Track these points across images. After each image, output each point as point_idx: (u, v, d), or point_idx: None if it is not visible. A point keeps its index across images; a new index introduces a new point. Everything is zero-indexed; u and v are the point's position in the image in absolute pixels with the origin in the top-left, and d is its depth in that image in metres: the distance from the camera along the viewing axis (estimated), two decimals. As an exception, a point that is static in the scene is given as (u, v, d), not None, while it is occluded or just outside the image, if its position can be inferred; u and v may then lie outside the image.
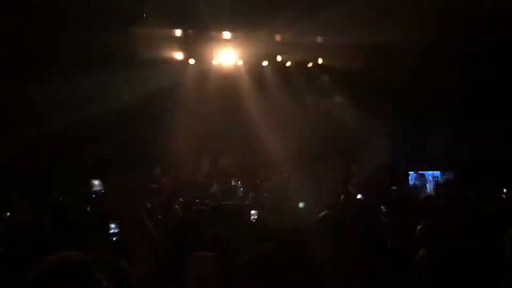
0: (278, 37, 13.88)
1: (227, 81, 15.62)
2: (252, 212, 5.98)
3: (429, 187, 12.87)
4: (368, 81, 14.50)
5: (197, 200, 9.79)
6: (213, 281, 2.74)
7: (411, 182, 13.68)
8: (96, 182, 9.99)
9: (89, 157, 12.88)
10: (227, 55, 14.88)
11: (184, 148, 15.83)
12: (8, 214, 6.97)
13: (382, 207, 6.21)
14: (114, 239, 4.81)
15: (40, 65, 12.58)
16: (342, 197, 6.78)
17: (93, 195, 8.67)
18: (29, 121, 12.56)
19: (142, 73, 14.38)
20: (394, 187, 10.01)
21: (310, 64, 16.11)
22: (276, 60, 15.73)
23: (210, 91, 15.65)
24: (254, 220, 5.81)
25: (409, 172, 15.06)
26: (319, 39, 14.05)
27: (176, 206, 9.50)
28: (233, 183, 16.02)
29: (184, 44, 14.23)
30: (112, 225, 4.64)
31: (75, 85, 12.79)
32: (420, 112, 14.80)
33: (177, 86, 15.76)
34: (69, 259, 1.54)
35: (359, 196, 8.48)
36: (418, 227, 3.08)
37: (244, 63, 15.51)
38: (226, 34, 13.80)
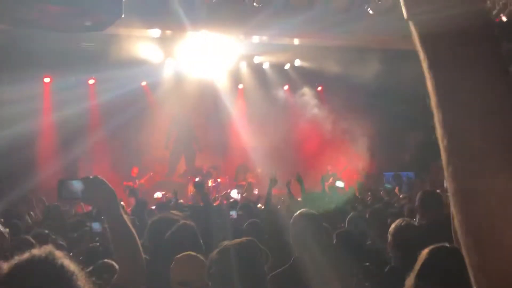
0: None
1: (204, 82, 15.66)
2: (231, 212, 6.05)
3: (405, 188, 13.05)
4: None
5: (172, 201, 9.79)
6: (197, 285, 2.68)
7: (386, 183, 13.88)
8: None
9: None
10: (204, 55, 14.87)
11: (161, 148, 15.85)
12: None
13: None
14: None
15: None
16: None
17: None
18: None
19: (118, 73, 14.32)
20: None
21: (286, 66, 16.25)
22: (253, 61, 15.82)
23: (187, 91, 15.66)
24: (232, 220, 5.89)
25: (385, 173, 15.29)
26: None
27: (153, 207, 9.52)
28: (209, 184, 16.10)
29: (161, 44, 14.19)
30: None
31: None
32: (397, 112, 14.87)
33: (154, 86, 15.74)
34: (37, 256, 1.58)
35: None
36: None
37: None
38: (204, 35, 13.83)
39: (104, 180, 2.44)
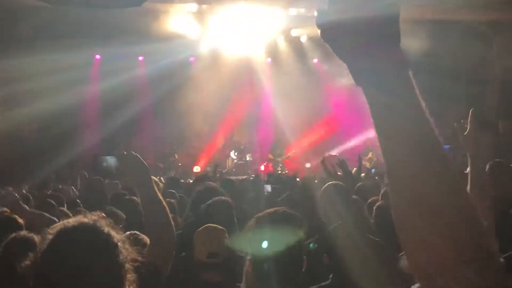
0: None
1: (241, 56, 15.60)
2: (266, 186, 6.05)
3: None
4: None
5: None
6: (224, 256, 2.72)
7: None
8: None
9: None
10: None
11: (198, 123, 15.98)
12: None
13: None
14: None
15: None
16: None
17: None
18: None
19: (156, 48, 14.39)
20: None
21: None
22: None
23: (224, 66, 15.64)
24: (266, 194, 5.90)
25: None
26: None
27: (190, 180, 9.65)
28: (247, 158, 16.22)
29: (198, 19, 14.14)
30: None
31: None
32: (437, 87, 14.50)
33: (191, 61, 15.79)
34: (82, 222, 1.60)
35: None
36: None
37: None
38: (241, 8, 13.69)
39: (138, 156, 2.49)
